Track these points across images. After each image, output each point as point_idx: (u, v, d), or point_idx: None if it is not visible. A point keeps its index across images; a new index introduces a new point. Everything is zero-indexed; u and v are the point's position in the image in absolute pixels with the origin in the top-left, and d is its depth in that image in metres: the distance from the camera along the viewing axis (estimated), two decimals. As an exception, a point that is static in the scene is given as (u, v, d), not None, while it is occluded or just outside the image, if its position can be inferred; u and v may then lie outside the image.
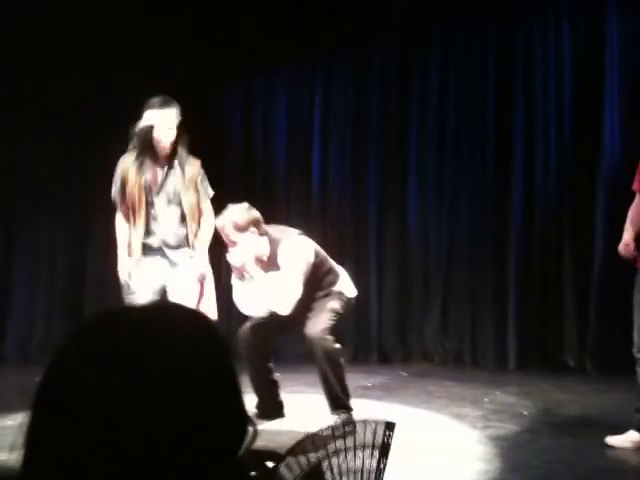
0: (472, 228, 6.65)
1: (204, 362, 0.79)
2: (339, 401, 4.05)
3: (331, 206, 7.04)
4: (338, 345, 4.09)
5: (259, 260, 4.08)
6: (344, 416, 3.92)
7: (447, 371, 6.27)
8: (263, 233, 4.09)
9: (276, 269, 4.04)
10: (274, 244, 4.08)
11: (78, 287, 6.75)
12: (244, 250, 4.03)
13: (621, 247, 3.92)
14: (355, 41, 6.87)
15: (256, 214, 4.11)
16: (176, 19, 6.78)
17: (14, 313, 6.66)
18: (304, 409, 4.53)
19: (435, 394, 5.35)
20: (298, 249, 4.07)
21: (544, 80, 6.43)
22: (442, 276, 6.73)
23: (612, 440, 3.87)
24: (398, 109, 6.87)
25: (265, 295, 4.06)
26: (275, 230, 4.21)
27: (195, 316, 0.86)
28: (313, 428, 4.02)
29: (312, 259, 4.08)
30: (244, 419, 0.82)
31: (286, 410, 4.42)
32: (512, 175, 6.48)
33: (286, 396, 4.50)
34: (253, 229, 4.04)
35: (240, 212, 4.06)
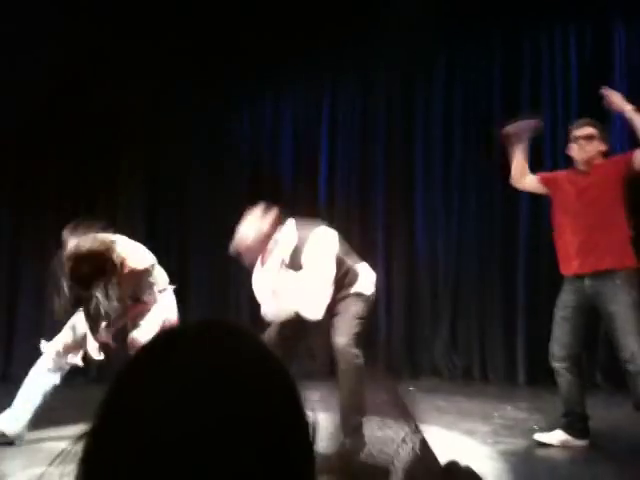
0: (481, 243, 6.64)
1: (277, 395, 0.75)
2: (352, 424, 3.89)
3: (338, 221, 7.02)
4: (361, 361, 3.83)
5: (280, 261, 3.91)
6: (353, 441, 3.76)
7: (456, 386, 6.23)
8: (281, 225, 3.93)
9: (298, 266, 3.86)
10: (300, 239, 3.89)
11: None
12: (274, 259, 3.89)
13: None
14: (361, 57, 6.89)
15: (269, 222, 3.90)
16: (181, 35, 6.83)
17: (21, 333, 6.66)
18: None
19: (445, 410, 5.31)
20: (325, 239, 3.89)
21: (552, 90, 6.43)
22: (450, 291, 6.71)
23: (540, 437, 4.21)
24: (404, 125, 6.89)
25: (293, 298, 3.86)
26: (298, 223, 4.01)
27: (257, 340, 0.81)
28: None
29: (336, 251, 3.89)
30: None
31: None
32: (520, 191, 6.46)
33: None
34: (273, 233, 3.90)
35: (255, 230, 3.88)
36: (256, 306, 4.15)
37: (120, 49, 6.63)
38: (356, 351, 3.82)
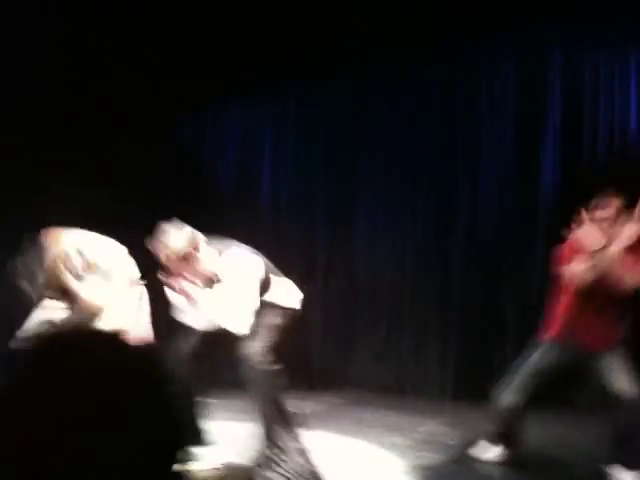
0: (416, 258, 6.73)
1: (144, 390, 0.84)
2: (275, 431, 3.90)
3: (279, 233, 7.11)
4: (274, 367, 3.89)
5: (203, 277, 3.95)
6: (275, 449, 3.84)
7: (386, 400, 6.29)
8: (201, 250, 3.94)
9: (221, 283, 3.90)
10: (219, 257, 3.94)
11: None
12: (192, 277, 3.93)
13: None
14: (307, 75, 7.00)
15: (191, 237, 3.91)
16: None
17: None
18: (231, 438, 4.41)
19: (370, 423, 5.37)
20: (247, 262, 3.93)
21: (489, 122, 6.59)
22: (384, 305, 6.78)
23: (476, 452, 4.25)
24: (345, 147, 7.03)
25: (216, 314, 3.90)
26: (223, 246, 4.03)
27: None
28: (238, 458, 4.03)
29: (262, 272, 3.94)
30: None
31: (213, 438, 4.24)
32: (457, 211, 6.61)
33: (216, 423, 4.38)
34: (192, 254, 3.90)
35: (176, 240, 3.89)
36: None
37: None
38: (266, 360, 3.87)
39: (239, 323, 3.86)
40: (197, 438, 4.14)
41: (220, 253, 3.97)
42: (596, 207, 3.98)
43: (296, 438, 3.93)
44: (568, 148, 6.22)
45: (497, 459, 4.21)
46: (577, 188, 5.62)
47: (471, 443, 4.43)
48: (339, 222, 7.05)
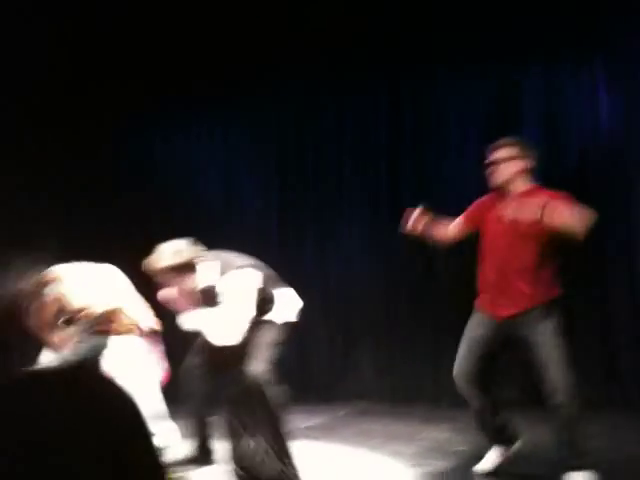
0: (410, 265, 6.77)
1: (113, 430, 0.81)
2: (283, 450, 3.93)
3: (270, 245, 7.15)
4: (273, 386, 3.94)
5: (196, 295, 3.97)
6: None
7: (384, 409, 6.34)
8: (194, 269, 3.96)
9: (216, 302, 3.91)
10: (220, 276, 3.95)
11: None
12: (181, 291, 3.94)
13: None
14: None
15: (186, 255, 3.92)
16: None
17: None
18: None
19: (372, 432, 5.42)
20: (244, 280, 3.93)
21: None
22: (379, 313, 6.84)
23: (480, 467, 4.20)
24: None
25: (209, 329, 3.93)
26: (220, 259, 4.04)
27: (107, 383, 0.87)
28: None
29: (258, 289, 3.96)
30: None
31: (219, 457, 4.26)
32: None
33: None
34: (185, 272, 3.92)
35: (170, 256, 3.90)
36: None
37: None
38: (268, 377, 3.92)
39: (225, 335, 3.86)
40: (207, 457, 4.21)
41: (218, 268, 3.97)
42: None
43: (291, 457, 3.97)
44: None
45: (496, 461, 4.23)
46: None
47: (476, 449, 4.47)
48: (329, 237, 7.12)
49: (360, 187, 7.00)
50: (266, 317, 4.04)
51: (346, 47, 6.70)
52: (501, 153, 4.09)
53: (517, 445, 4.24)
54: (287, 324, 4.13)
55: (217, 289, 3.92)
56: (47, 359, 4.18)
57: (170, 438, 4.28)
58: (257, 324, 3.97)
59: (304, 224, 7.21)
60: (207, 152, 7.59)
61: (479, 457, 4.56)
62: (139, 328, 4.15)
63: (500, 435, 4.22)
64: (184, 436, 4.33)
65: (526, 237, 3.93)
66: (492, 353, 4.11)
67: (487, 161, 4.17)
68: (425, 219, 4.32)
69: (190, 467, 4.21)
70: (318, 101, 7.15)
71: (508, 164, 4.05)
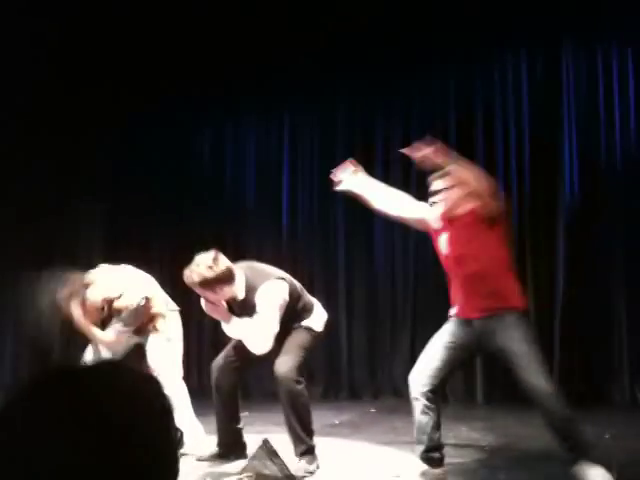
0: (438, 269, 6.77)
1: (146, 424, 0.83)
2: (302, 446, 4.07)
3: (299, 243, 7.20)
4: (301, 386, 4.06)
5: (233, 302, 4.13)
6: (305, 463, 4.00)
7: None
8: (232, 280, 4.08)
9: (252, 311, 4.05)
10: (251, 288, 4.08)
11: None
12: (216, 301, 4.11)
13: None
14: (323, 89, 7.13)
15: (221, 269, 4.00)
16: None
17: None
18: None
19: (402, 430, 5.41)
20: (274, 292, 4.07)
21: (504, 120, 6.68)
22: (410, 311, 6.85)
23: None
24: (363, 150, 7.10)
25: (242, 336, 4.11)
26: (251, 271, 4.19)
27: (142, 378, 0.89)
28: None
29: (286, 300, 4.10)
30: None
31: (249, 451, 4.28)
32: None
33: (252, 436, 4.45)
34: (221, 285, 4.04)
35: (205, 270, 3.98)
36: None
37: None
38: (297, 378, 4.05)
39: (257, 346, 4.05)
40: (238, 451, 4.30)
41: (250, 282, 4.11)
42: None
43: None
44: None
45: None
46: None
47: (504, 447, 4.46)
48: (359, 238, 7.14)
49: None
50: (304, 323, 4.23)
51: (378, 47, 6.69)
52: None
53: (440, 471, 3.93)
54: (316, 334, 4.29)
55: (255, 300, 4.05)
56: (90, 357, 4.37)
57: (196, 434, 4.46)
58: (295, 328, 4.18)
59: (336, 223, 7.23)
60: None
61: (505, 456, 4.58)
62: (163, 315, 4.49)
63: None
64: (212, 431, 4.41)
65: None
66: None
67: None
68: (357, 177, 3.92)
69: (219, 462, 4.28)
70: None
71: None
